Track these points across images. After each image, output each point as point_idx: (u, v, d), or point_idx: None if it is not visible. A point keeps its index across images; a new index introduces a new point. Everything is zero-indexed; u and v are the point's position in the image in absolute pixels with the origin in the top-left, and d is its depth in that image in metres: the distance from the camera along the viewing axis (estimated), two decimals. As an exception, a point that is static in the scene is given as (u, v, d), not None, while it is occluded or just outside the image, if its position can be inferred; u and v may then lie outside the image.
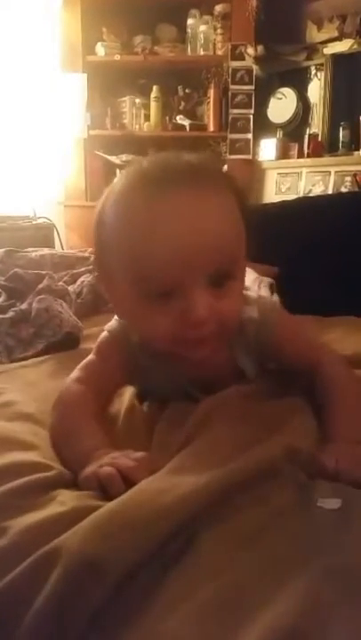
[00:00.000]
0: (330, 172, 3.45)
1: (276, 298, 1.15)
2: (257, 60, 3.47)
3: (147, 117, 3.81)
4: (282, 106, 3.62)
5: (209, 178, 0.74)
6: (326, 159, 3.49)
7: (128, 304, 0.77)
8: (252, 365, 0.87)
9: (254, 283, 1.15)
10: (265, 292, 1.05)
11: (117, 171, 3.31)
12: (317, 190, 3.47)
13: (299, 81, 3.63)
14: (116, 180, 0.78)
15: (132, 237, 0.71)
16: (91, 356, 0.90)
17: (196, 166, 0.74)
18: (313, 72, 3.59)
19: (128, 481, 0.60)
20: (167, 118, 3.80)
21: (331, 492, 0.58)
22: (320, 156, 3.51)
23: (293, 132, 3.66)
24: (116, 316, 0.91)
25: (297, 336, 0.91)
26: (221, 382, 0.85)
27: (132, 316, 0.80)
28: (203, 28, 3.62)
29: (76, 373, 0.87)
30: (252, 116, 3.61)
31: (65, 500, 0.58)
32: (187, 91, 3.84)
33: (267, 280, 1.14)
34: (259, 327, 0.85)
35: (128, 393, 0.87)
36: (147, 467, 0.63)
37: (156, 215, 0.69)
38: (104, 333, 0.91)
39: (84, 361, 0.90)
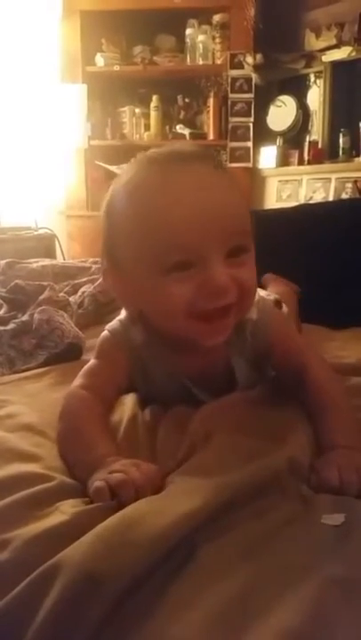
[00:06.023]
0: (330, 179, 3.45)
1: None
2: (256, 68, 3.48)
3: (147, 127, 3.83)
4: (282, 113, 3.62)
5: (215, 159, 0.80)
6: (327, 166, 3.48)
7: (140, 284, 0.76)
8: (244, 365, 0.88)
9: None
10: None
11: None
12: (318, 197, 3.46)
13: (298, 88, 3.63)
14: (121, 172, 0.80)
15: (150, 210, 0.73)
16: (93, 361, 0.91)
17: (201, 150, 0.81)
18: (312, 79, 3.59)
19: (136, 492, 0.60)
20: (167, 127, 3.81)
21: (334, 506, 0.58)
22: (320, 162, 3.51)
23: (293, 139, 3.66)
24: (118, 317, 0.91)
25: (288, 337, 0.92)
26: (215, 380, 0.86)
27: (145, 296, 0.77)
28: (201, 37, 3.63)
29: (79, 380, 0.87)
30: (251, 124, 3.62)
31: (67, 510, 0.58)
32: (186, 100, 3.86)
33: (273, 295, 1.15)
34: (254, 327, 0.86)
35: (130, 401, 0.87)
36: (154, 481, 0.63)
37: (174, 186, 0.72)
38: (105, 333, 0.92)
39: (87, 366, 0.90)
